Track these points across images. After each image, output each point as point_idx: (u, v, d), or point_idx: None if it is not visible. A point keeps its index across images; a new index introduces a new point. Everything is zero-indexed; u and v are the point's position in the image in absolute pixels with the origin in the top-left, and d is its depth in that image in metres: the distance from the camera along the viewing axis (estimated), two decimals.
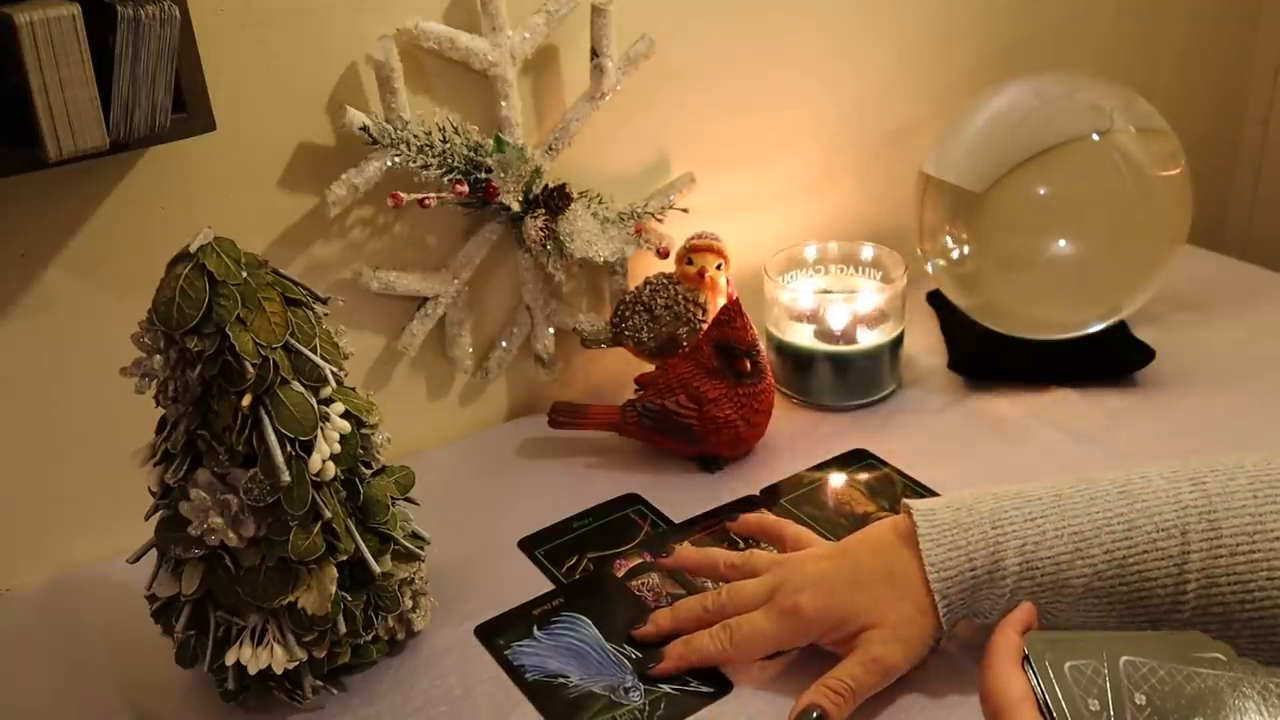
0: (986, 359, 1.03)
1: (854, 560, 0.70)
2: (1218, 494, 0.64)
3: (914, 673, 0.71)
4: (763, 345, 0.93)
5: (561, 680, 0.73)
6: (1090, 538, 0.65)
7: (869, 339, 1.00)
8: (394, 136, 0.86)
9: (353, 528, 0.70)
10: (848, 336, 1.00)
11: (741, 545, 0.84)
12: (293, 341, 0.66)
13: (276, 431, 0.65)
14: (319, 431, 0.67)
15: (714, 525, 0.86)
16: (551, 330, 1.00)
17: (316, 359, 0.67)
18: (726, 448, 0.93)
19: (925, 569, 0.67)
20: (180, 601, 0.69)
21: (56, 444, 0.84)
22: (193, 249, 0.64)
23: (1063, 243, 0.95)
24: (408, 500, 0.76)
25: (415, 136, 0.86)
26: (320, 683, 0.72)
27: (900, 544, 0.69)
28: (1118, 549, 0.64)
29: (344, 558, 0.69)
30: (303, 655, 0.70)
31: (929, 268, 1.03)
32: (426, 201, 0.88)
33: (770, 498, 0.89)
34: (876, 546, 0.70)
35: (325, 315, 0.70)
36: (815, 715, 0.65)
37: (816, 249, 1.06)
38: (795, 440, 0.96)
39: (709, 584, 0.80)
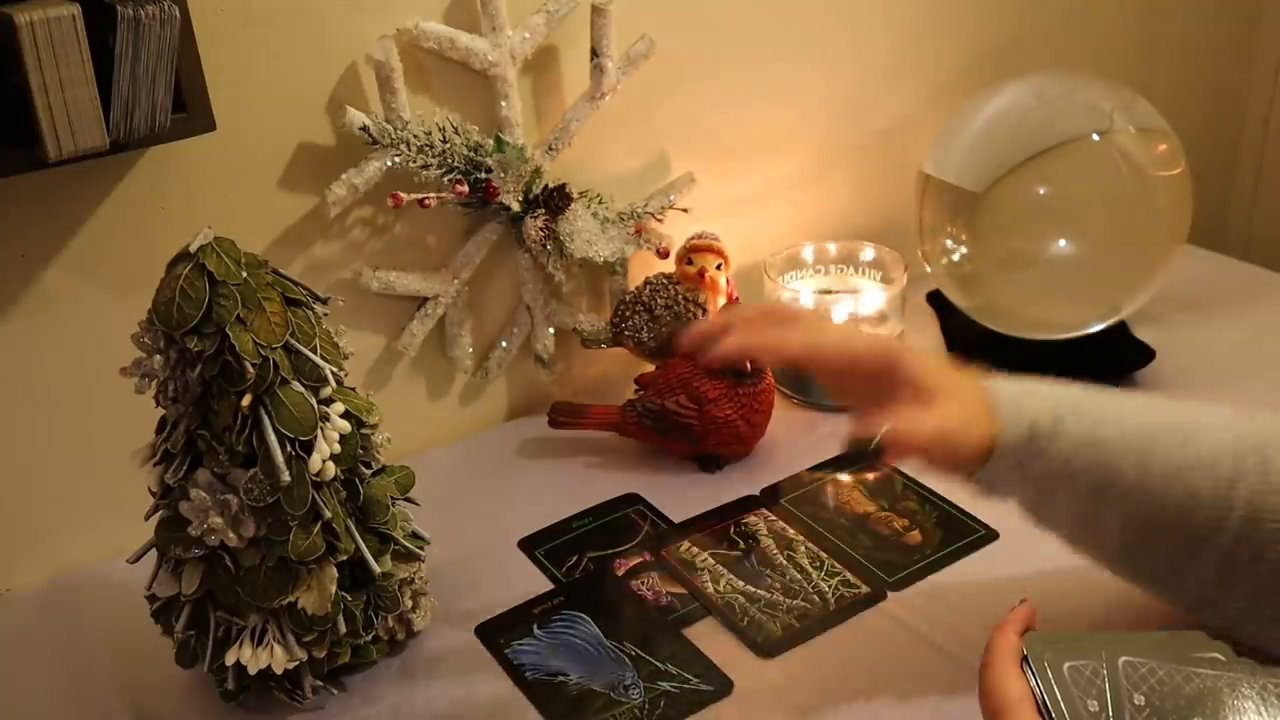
0: (986, 359, 1.03)
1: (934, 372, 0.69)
2: (1269, 431, 0.64)
3: (914, 673, 0.71)
4: None
5: (561, 679, 0.73)
6: (1149, 436, 0.65)
7: None
8: (394, 136, 0.86)
9: (353, 528, 0.70)
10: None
11: (742, 545, 0.84)
12: (293, 341, 0.66)
13: (276, 431, 0.65)
14: (319, 431, 0.67)
15: (714, 525, 0.86)
16: (551, 330, 1.00)
17: (316, 359, 0.67)
18: (726, 448, 0.93)
19: (995, 396, 0.66)
20: (180, 601, 0.70)
21: (56, 444, 0.84)
22: (193, 249, 0.64)
23: (1063, 243, 0.95)
24: (408, 500, 0.76)
25: (415, 136, 0.86)
26: (320, 683, 0.72)
27: (970, 384, 0.68)
28: (1174, 456, 0.64)
29: (344, 558, 0.70)
30: (303, 655, 0.70)
31: (928, 269, 1.03)
32: (426, 201, 0.88)
33: (770, 498, 0.89)
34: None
35: (325, 315, 0.70)
36: (875, 442, 0.64)
37: (816, 249, 1.06)
38: (795, 440, 0.96)
39: (708, 584, 0.80)
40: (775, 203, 1.11)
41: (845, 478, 0.91)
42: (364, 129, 0.85)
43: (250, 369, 0.64)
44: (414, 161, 0.87)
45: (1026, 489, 0.68)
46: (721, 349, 0.68)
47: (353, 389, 0.71)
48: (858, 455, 0.65)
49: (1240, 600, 0.65)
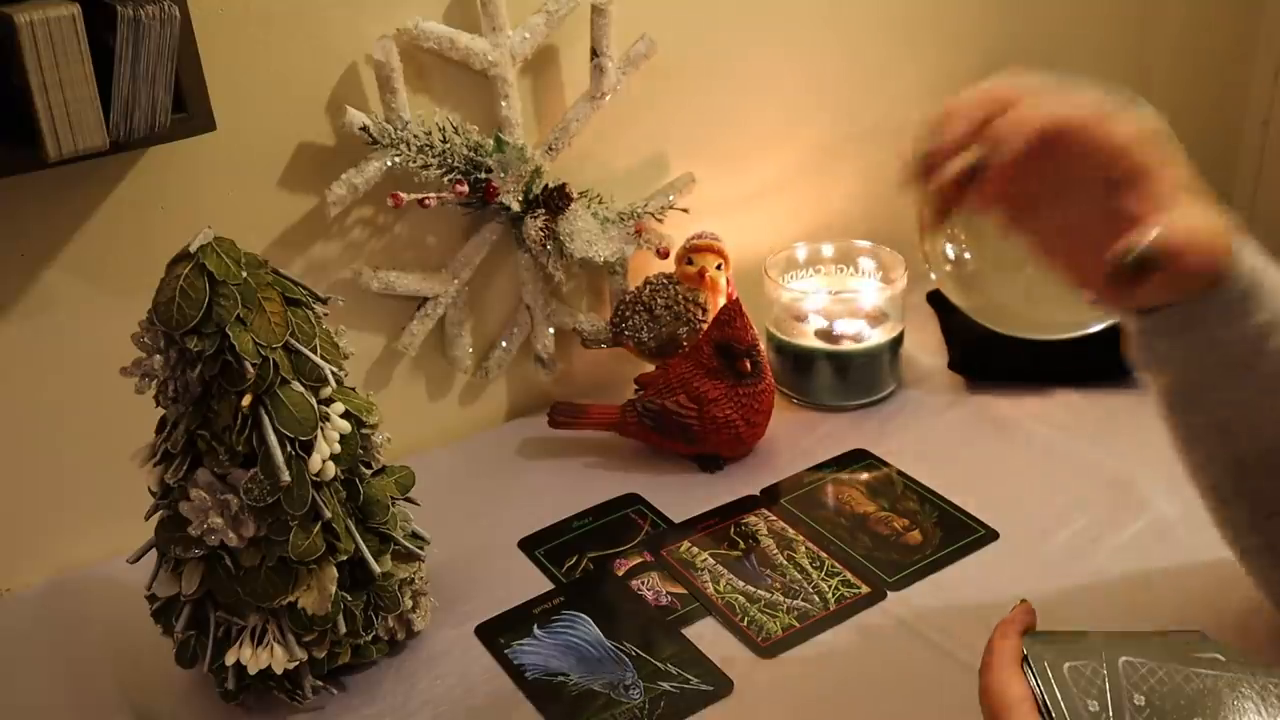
0: (986, 359, 1.03)
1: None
2: None
3: (914, 673, 0.71)
4: (763, 345, 0.93)
5: (561, 679, 0.73)
6: None
7: (869, 339, 1.00)
8: (394, 136, 0.86)
9: (353, 528, 0.70)
10: (848, 336, 1.00)
11: (742, 545, 0.84)
12: (293, 341, 0.66)
13: (276, 431, 0.65)
14: (319, 431, 0.67)
15: (714, 525, 0.86)
16: (551, 330, 1.00)
17: (316, 359, 0.67)
18: (726, 448, 0.93)
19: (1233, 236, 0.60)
20: (180, 601, 0.70)
21: (56, 444, 0.84)
22: (193, 249, 0.64)
23: None
24: (408, 500, 0.76)
25: (415, 136, 0.86)
26: (320, 683, 0.72)
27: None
28: None
29: (344, 558, 0.70)
30: (303, 655, 0.70)
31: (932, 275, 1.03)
32: (426, 201, 0.88)
33: (770, 498, 0.89)
34: None
35: (325, 315, 0.70)
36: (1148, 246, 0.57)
37: (816, 249, 1.06)
38: (795, 440, 0.96)
39: (709, 584, 0.80)
40: (775, 203, 1.11)
41: (845, 477, 0.91)
42: (364, 129, 0.85)
43: (250, 369, 0.64)
44: (414, 161, 0.87)
45: (1206, 351, 0.63)
46: (949, 155, 0.59)
47: (353, 389, 0.71)
48: (1135, 264, 0.57)
49: None
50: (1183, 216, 0.59)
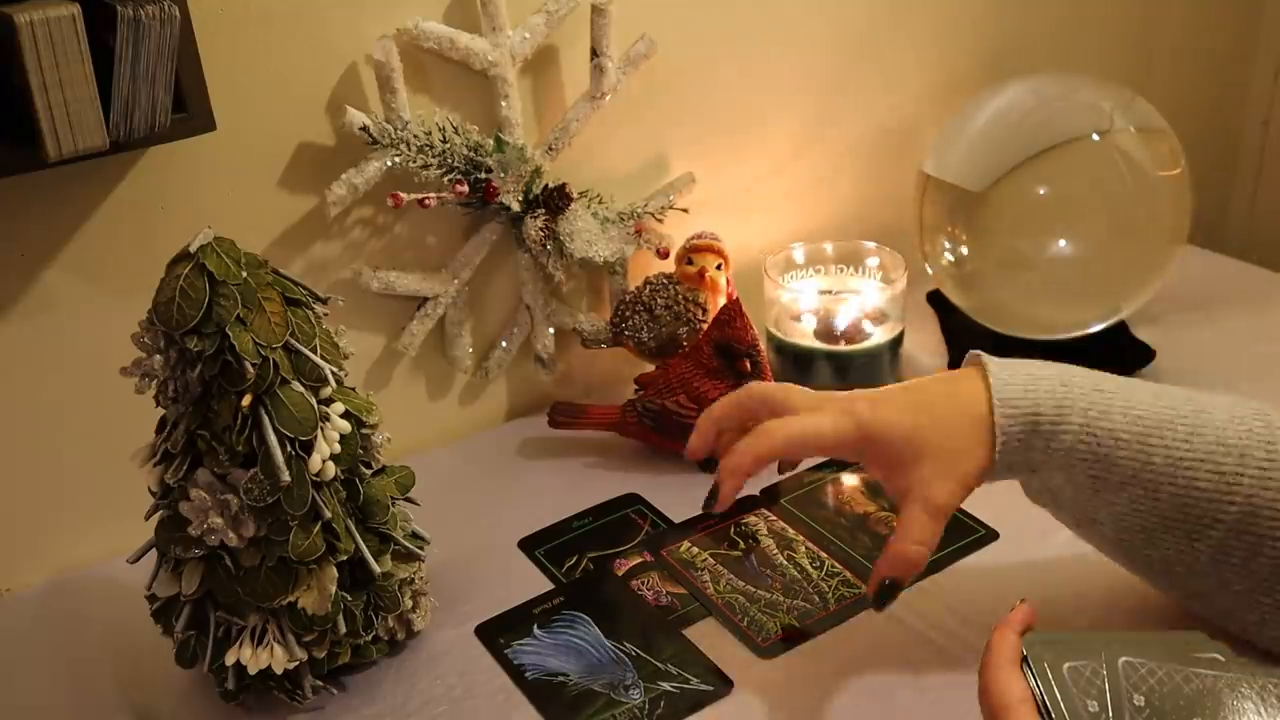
0: None
1: (918, 385, 0.70)
2: None
3: (913, 672, 0.71)
4: (763, 345, 0.93)
5: (561, 679, 0.73)
6: (1153, 428, 0.65)
7: (869, 339, 1.00)
8: (394, 136, 0.86)
9: (353, 528, 0.70)
10: (848, 336, 1.00)
11: (742, 545, 0.84)
12: (293, 341, 0.66)
13: (276, 431, 0.65)
14: (319, 431, 0.67)
15: (714, 525, 0.86)
16: (551, 330, 1.00)
17: (316, 359, 0.67)
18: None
19: (992, 400, 0.66)
20: (180, 601, 0.70)
21: (56, 444, 0.84)
22: (193, 249, 0.64)
23: (1063, 243, 0.95)
24: (408, 500, 0.76)
25: (415, 136, 0.86)
26: (320, 683, 0.72)
27: (968, 377, 0.68)
28: (1177, 448, 0.64)
29: (344, 558, 0.70)
30: (303, 655, 0.70)
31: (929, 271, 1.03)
32: (426, 201, 0.88)
33: (770, 498, 0.89)
34: (944, 377, 0.70)
35: (325, 315, 0.70)
36: (888, 584, 0.66)
37: (816, 249, 1.06)
38: None
39: (709, 583, 0.80)
40: (775, 203, 1.11)
41: (845, 477, 0.91)
42: (364, 129, 0.85)
43: (250, 369, 0.64)
44: (414, 161, 0.87)
45: (1029, 477, 0.69)
46: (723, 491, 0.69)
47: (353, 389, 0.71)
48: (883, 600, 0.67)
49: (1236, 594, 0.66)
50: (911, 539, 0.66)
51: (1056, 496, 0.69)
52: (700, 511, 0.87)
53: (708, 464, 0.93)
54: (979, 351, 0.70)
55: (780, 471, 0.79)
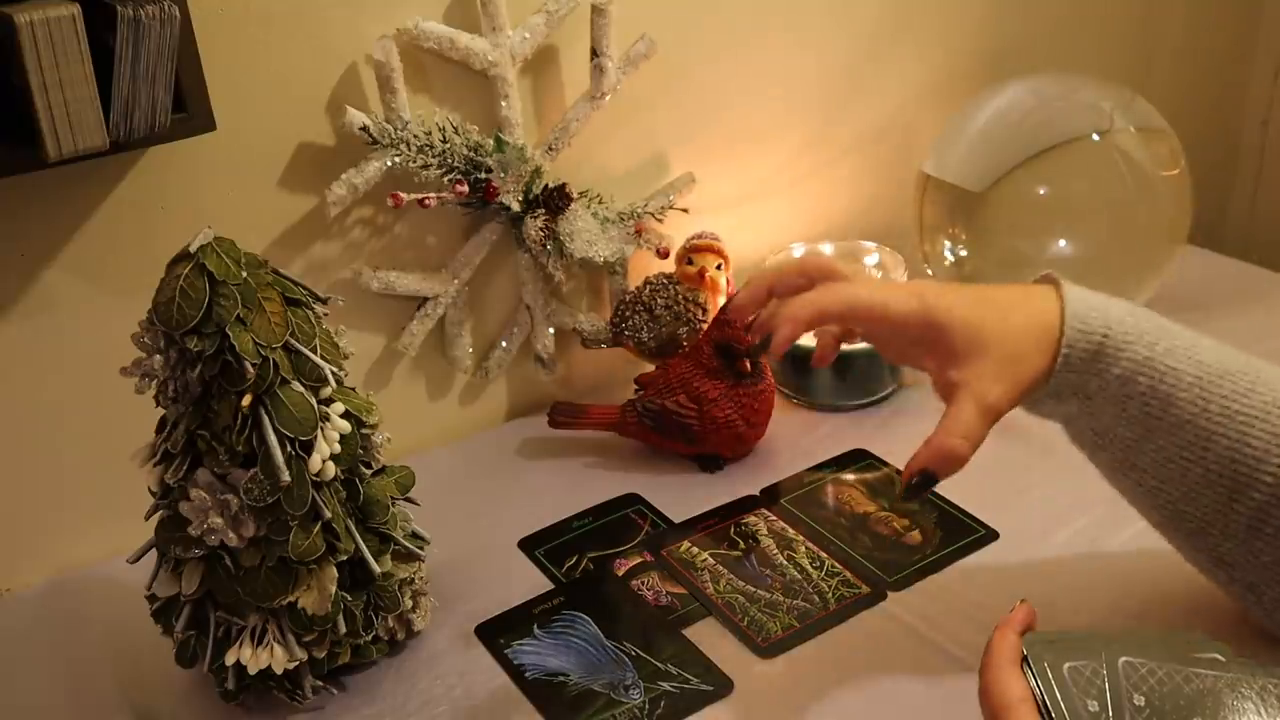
0: None
1: (990, 287, 0.68)
2: None
3: (914, 673, 0.71)
4: None
5: (561, 679, 0.73)
6: (1215, 377, 0.64)
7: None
8: (394, 136, 0.86)
9: (353, 528, 0.70)
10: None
11: (742, 545, 0.84)
12: (293, 341, 0.66)
13: (276, 431, 0.65)
14: (319, 431, 0.67)
15: (714, 525, 0.86)
16: (551, 330, 1.00)
17: (316, 359, 0.67)
18: (726, 448, 0.93)
19: (1064, 311, 0.64)
20: (180, 601, 0.70)
21: (56, 444, 0.84)
22: (193, 249, 0.64)
23: (1063, 243, 0.95)
24: (408, 500, 0.76)
25: (415, 136, 0.86)
26: (320, 683, 0.72)
27: (1042, 289, 0.67)
28: (1235, 400, 0.63)
29: (344, 558, 0.70)
30: (303, 655, 0.70)
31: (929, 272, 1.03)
32: (426, 201, 0.88)
33: (770, 498, 0.89)
34: (1018, 286, 0.68)
35: (325, 315, 0.70)
36: (923, 476, 0.64)
37: (816, 249, 1.06)
38: (795, 440, 0.96)
39: (709, 583, 0.80)
40: (775, 203, 1.11)
41: (846, 477, 0.91)
42: (364, 129, 0.85)
43: (250, 369, 0.64)
44: (414, 161, 0.87)
45: (1078, 409, 0.67)
46: (769, 331, 0.66)
47: (353, 389, 0.71)
48: (914, 491, 0.65)
49: (1265, 565, 0.64)
50: (957, 430, 0.64)
51: (1103, 435, 0.67)
52: (700, 511, 0.88)
53: (708, 464, 0.93)
54: (1052, 271, 0.68)
55: (825, 346, 0.75)
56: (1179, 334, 0.66)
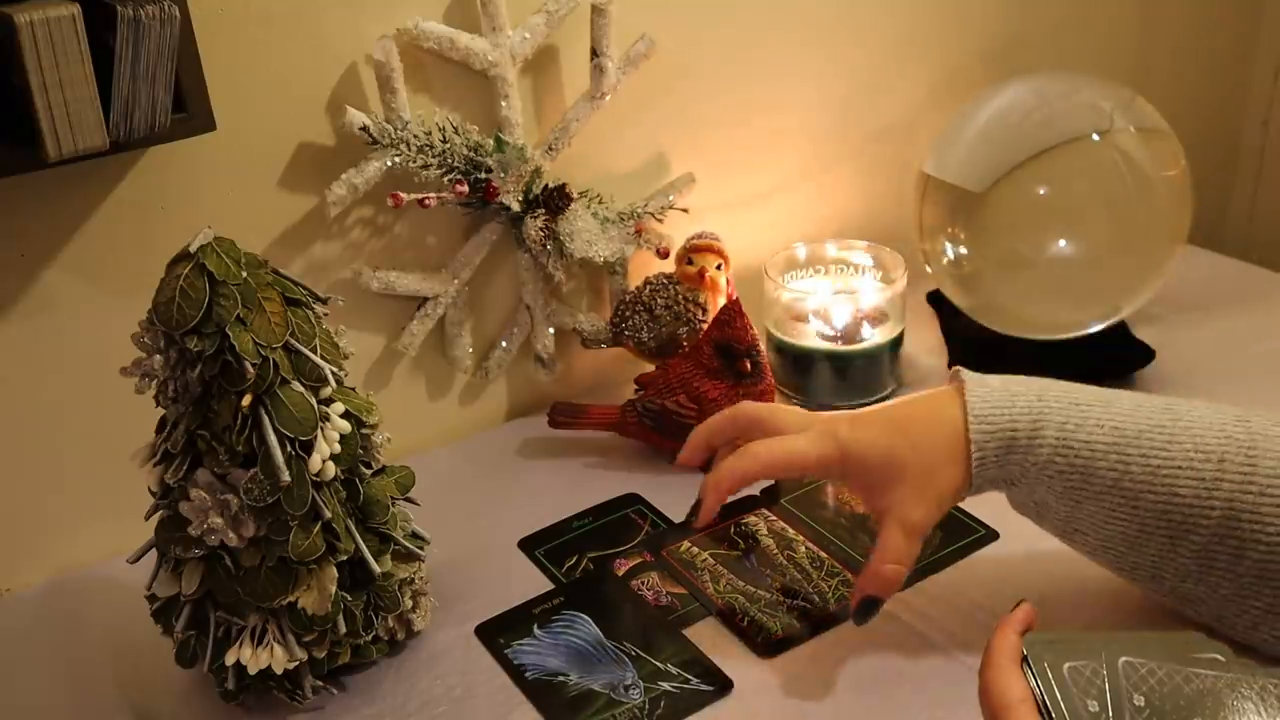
0: (986, 359, 1.03)
1: (898, 405, 0.71)
2: (1260, 434, 0.64)
3: (914, 673, 0.71)
4: (763, 345, 0.93)
5: (561, 679, 0.73)
6: (1131, 438, 0.65)
7: (869, 339, 1.00)
8: (394, 136, 0.86)
9: (353, 528, 0.70)
10: (848, 336, 1.00)
11: (742, 545, 0.84)
12: (293, 341, 0.66)
13: (276, 431, 0.65)
14: (319, 431, 0.67)
15: (714, 525, 0.86)
16: (551, 330, 1.00)
17: (316, 359, 0.67)
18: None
19: (968, 417, 0.67)
20: (180, 601, 0.70)
21: (56, 444, 0.84)
22: (193, 249, 0.64)
23: (1063, 243, 0.95)
24: (408, 500, 0.76)
25: (415, 136, 0.87)
26: (320, 683, 0.72)
27: (947, 396, 0.70)
28: (1155, 456, 0.65)
29: (344, 558, 0.70)
30: (303, 655, 0.70)
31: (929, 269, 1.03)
32: (426, 201, 0.88)
33: (770, 497, 0.89)
34: (924, 396, 0.71)
35: (325, 315, 0.70)
36: (867, 601, 0.68)
37: (816, 249, 1.06)
38: None
39: (709, 583, 0.80)
40: (775, 202, 1.11)
41: None
42: (364, 129, 0.85)
43: (250, 369, 0.64)
44: (414, 161, 0.87)
45: (1011, 490, 0.70)
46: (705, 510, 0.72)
47: (353, 389, 0.71)
48: (864, 615, 0.70)
49: (1225, 598, 0.66)
50: (891, 557, 0.68)
51: (1040, 508, 0.70)
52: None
53: (708, 464, 0.93)
54: (959, 367, 0.71)
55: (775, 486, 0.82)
56: (1090, 403, 0.68)
